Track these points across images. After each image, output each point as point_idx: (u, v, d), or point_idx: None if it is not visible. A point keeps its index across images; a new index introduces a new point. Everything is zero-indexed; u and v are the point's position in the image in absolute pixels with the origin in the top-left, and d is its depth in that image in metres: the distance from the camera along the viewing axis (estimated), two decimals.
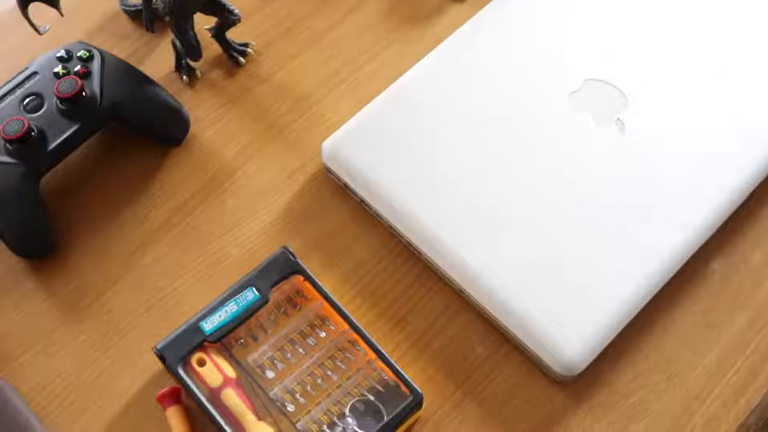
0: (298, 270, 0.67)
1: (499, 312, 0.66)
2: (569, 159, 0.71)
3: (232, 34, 0.81)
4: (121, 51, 0.81)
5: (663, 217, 0.69)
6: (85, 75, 0.73)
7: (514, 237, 0.68)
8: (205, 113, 0.78)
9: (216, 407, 0.64)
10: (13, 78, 0.73)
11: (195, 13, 0.75)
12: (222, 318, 0.66)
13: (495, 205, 0.69)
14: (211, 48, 0.81)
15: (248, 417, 0.64)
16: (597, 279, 0.67)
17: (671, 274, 0.68)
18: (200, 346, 0.65)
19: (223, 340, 0.66)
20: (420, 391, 0.64)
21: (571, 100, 0.73)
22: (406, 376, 0.64)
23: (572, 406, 0.66)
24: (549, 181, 0.70)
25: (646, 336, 0.68)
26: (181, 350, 0.65)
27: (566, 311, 0.65)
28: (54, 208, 0.74)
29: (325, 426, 0.64)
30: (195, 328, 0.65)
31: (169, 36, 0.80)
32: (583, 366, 0.65)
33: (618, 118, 0.72)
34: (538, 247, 0.68)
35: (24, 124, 0.69)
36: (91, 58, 0.74)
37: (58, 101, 0.71)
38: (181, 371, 0.64)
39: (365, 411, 0.65)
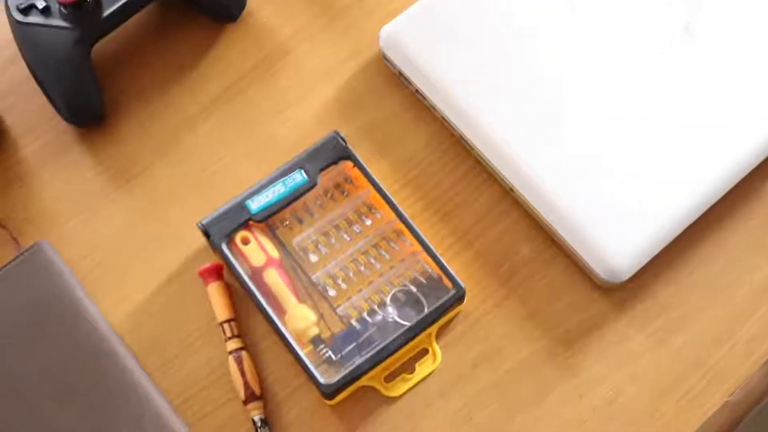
0: (348, 156, 0.67)
1: (548, 213, 0.65)
2: (632, 65, 0.69)
3: None
4: None
5: (722, 132, 0.67)
6: None
7: (571, 139, 0.66)
8: None
9: (257, 286, 0.64)
10: None
11: None
12: (269, 198, 0.65)
13: (553, 105, 0.68)
14: None
15: (289, 298, 0.64)
16: (651, 189, 0.65)
17: (725, 191, 0.67)
18: (245, 225, 0.65)
19: (268, 221, 0.66)
20: (463, 285, 0.63)
21: (640, 2, 0.71)
22: (450, 270, 0.64)
23: (613, 313, 0.66)
24: (610, 86, 0.68)
25: (694, 250, 0.67)
26: (226, 227, 0.65)
27: (617, 218, 0.64)
28: (104, 77, 0.73)
29: (365, 313, 0.64)
30: (241, 207, 0.65)
31: None
32: (629, 274, 0.64)
33: (687, 25, 0.70)
34: (595, 152, 0.66)
35: None
36: None
37: None
38: (224, 248, 0.64)
39: (406, 301, 0.64)
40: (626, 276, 0.64)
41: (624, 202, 0.65)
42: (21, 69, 0.74)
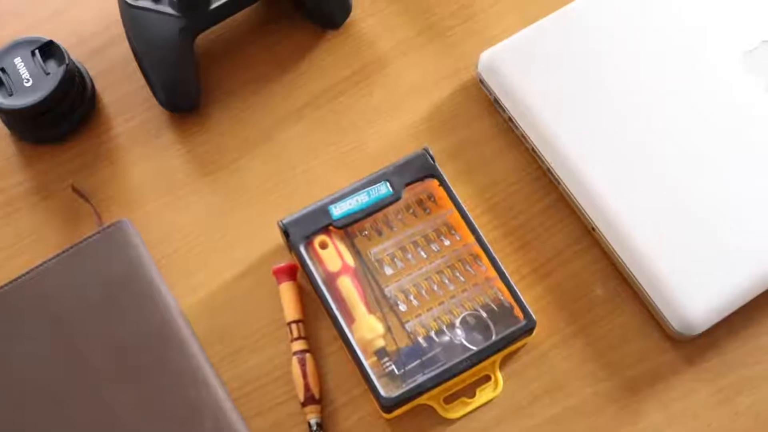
0: (434, 174, 0.67)
1: (627, 257, 0.65)
2: (730, 118, 0.68)
3: None
4: None
5: None
6: None
7: (660, 185, 0.66)
8: (368, 2, 0.77)
9: (330, 291, 0.64)
10: None
11: None
12: (351, 206, 0.66)
13: (645, 150, 0.67)
14: None
15: (359, 307, 0.64)
16: (735, 244, 0.64)
17: None
18: (325, 229, 0.65)
19: (348, 228, 0.66)
20: (534, 317, 0.63)
21: (744, 58, 0.70)
22: (523, 300, 0.64)
23: (682, 365, 0.65)
24: (705, 136, 0.68)
25: None
26: (306, 229, 0.65)
27: (697, 270, 0.64)
28: (204, 68, 0.75)
29: (432, 332, 0.64)
30: (323, 211, 0.66)
31: None
32: (703, 328, 0.63)
33: None
34: (683, 200, 0.65)
35: None
36: None
37: None
38: (302, 249, 0.65)
39: (475, 326, 0.64)
40: (699, 330, 0.63)
41: (706, 255, 0.64)
42: (123, 50, 0.75)
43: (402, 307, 0.65)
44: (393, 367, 0.63)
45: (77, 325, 0.65)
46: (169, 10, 0.70)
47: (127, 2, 0.71)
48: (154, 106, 0.74)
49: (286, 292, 0.66)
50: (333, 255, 0.65)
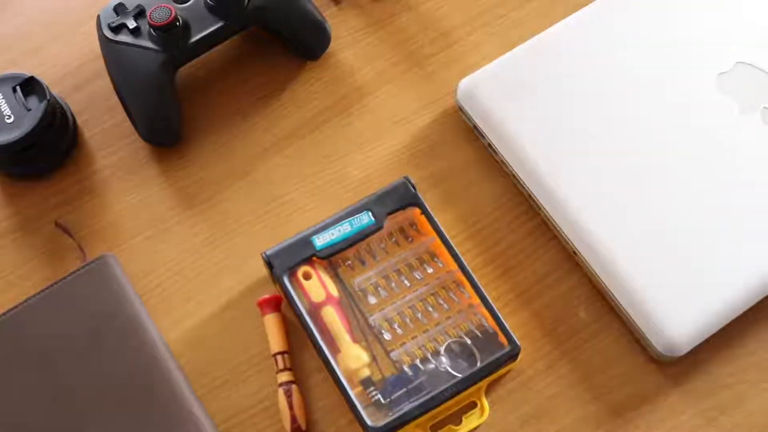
0: (416, 202, 0.67)
1: (610, 280, 0.65)
2: (705, 139, 0.69)
3: None
4: None
5: None
6: None
7: (639, 208, 0.67)
8: (347, 33, 0.78)
9: (314, 322, 0.64)
10: None
11: None
12: (334, 236, 0.66)
13: (624, 173, 0.68)
14: None
15: (344, 337, 0.64)
16: (716, 264, 0.65)
17: None
18: (308, 260, 0.66)
19: (331, 259, 0.66)
20: (518, 343, 0.63)
21: (719, 80, 0.71)
22: (507, 326, 0.64)
23: (666, 386, 0.65)
24: (682, 157, 0.68)
25: (756, 331, 0.66)
26: (290, 260, 0.65)
27: (679, 291, 0.64)
28: (185, 101, 0.75)
29: (417, 360, 0.64)
30: (306, 242, 0.66)
31: None
32: (686, 350, 0.64)
33: (764, 107, 0.70)
34: (662, 223, 0.66)
35: (171, 12, 0.70)
36: None
37: None
38: (286, 280, 0.65)
39: (460, 353, 0.65)
40: (682, 352, 0.64)
41: (687, 276, 0.64)
42: (104, 84, 0.76)
43: (387, 336, 0.65)
44: (379, 396, 0.63)
45: (62, 362, 0.65)
46: (149, 44, 0.70)
47: (107, 37, 0.71)
48: (136, 140, 0.74)
49: (271, 323, 0.66)
50: (317, 285, 0.65)
